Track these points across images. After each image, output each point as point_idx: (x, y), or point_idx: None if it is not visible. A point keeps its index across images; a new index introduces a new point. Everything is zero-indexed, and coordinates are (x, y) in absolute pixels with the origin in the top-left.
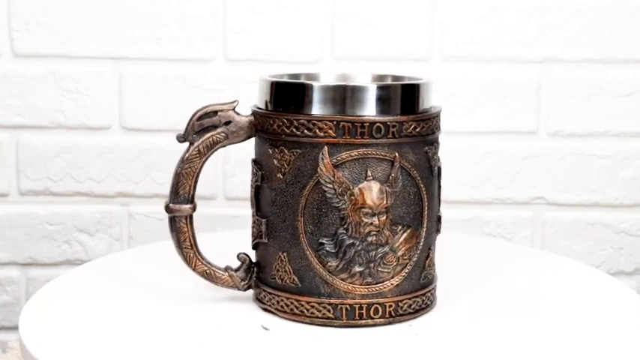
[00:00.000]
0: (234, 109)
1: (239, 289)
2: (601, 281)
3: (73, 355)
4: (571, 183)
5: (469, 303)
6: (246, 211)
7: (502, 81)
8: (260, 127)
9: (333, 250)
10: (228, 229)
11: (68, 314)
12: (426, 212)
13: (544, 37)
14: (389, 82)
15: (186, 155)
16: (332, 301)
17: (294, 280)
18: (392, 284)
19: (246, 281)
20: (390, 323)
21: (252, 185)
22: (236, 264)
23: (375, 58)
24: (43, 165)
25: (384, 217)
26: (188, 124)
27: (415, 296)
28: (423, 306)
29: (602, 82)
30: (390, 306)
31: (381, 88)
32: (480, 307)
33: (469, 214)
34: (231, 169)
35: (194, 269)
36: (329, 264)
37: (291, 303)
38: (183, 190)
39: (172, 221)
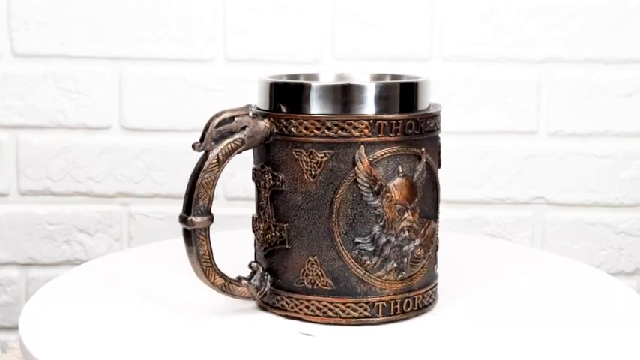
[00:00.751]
0: (249, 114)
1: (255, 299)
2: (601, 281)
3: (73, 355)
4: (571, 183)
5: (469, 303)
6: (246, 211)
7: (502, 81)
8: (279, 130)
9: (370, 249)
10: (228, 229)
11: (68, 314)
12: (439, 205)
13: (544, 37)
14: (391, 80)
15: (206, 165)
16: (369, 299)
17: (327, 282)
18: (419, 277)
19: (261, 290)
20: (417, 315)
21: (264, 191)
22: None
23: (375, 58)
24: (43, 165)
25: (416, 212)
26: (205, 131)
27: (432, 287)
28: (435, 297)
29: (602, 82)
30: (418, 298)
31: (406, 85)
32: (480, 307)
33: (469, 214)
34: (231, 169)
35: (213, 283)
36: (366, 262)
37: (324, 306)
38: (203, 202)
39: (191, 234)
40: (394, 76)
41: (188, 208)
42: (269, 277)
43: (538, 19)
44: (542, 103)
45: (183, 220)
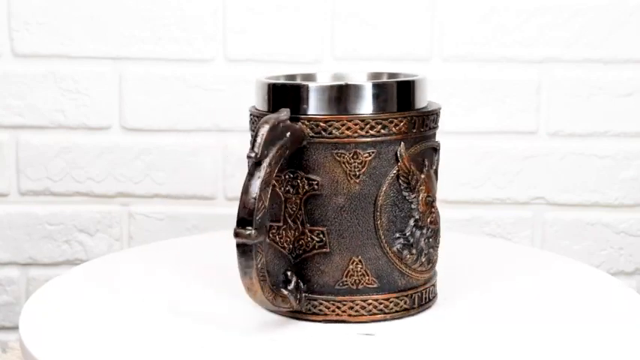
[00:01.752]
0: (287, 119)
1: (294, 309)
2: (601, 281)
3: (73, 355)
4: (571, 183)
5: (469, 303)
6: None
7: (502, 81)
8: (316, 133)
9: (408, 242)
10: (228, 229)
11: (68, 314)
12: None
13: (544, 37)
14: (388, 78)
15: (262, 174)
16: (408, 292)
17: (372, 280)
18: (436, 265)
19: (297, 297)
20: (435, 302)
21: (295, 197)
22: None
23: (375, 58)
24: (43, 165)
25: (435, 203)
26: (256, 140)
27: (435, 273)
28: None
29: (602, 82)
30: (435, 285)
31: (419, 81)
32: (479, 307)
33: (469, 214)
34: (231, 169)
35: (267, 299)
36: (406, 257)
37: (369, 304)
38: (261, 213)
39: (252, 249)
40: (390, 75)
41: (248, 221)
42: (301, 283)
43: (538, 19)
44: (542, 103)
45: (240, 234)
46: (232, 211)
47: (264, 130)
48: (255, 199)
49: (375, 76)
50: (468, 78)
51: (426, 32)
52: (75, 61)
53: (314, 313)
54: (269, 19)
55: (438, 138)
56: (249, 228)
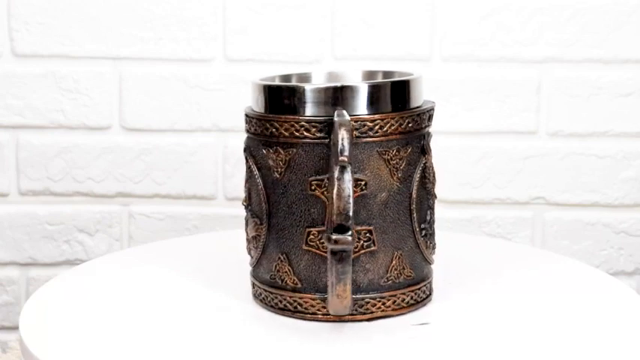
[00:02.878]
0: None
1: (348, 312)
2: (601, 281)
3: (73, 355)
4: (571, 183)
5: (469, 302)
6: None
7: (502, 81)
8: (359, 133)
9: (428, 233)
10: (228, 229)
11: (68, 314)
12: None
13: (544, 37)
14: (382, 77)
15: (351, 176)
16: (429, 279)
17: (409, 273)
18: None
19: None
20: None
21: (350, 198)
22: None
23: (375, 58)
24: (43, 165)
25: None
26: (343, 144)
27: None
28: None
29: (602, 82)
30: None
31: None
32: (479, 307)
33: (469, 214)
34: (231, 169)
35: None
36: (430, 246)
37: (407, 296)
38: (353, 218)
39: (348, 255)
40: (385, 73)
41: (345, 227)
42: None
43: (538, 19)
44: (542, 103)
45: (340, 241)
46: (232, 211)
47: (346, 133)
48: (349, 203)
49: (370, 74)
50: (468, 78)
51: (426, 32)
52: (75, 61)
53: (361, 313)
54: (269, 19)
55: (437, 138)
56: (348, 233)
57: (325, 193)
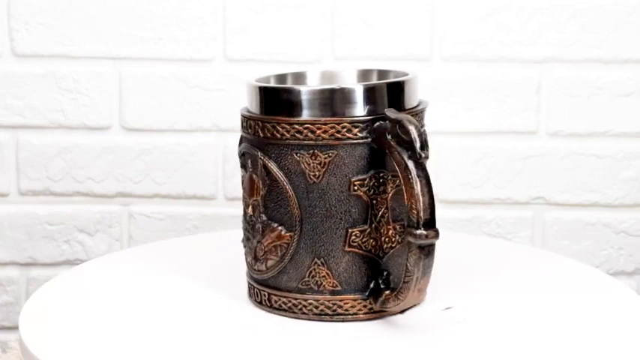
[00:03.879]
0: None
1: (394, 311)
2: (601, 281)
3: (73, 355)
4: (571, 183)
5: (468, 302)
6: None
7: (502, 81)
8: (396, 132)
9: None
10: (228, 229)
11: (68, 314)
12: None
13: (544, 37)
14: (377, 76)
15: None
16: None
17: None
18: None
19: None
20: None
21: (380, 199)
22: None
23: (375, 58)
24: (43, 165)
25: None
26: (423, 140)
27: None
28: None
29: (602, 82)
30: None
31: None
32: (479, 307)
33: (469, 214)
34: (231, 169)
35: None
36: None
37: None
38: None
39: (434, 249)
40: (381, 72)
41: (432, 221)
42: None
43: (538, 19)
44: (542, 103)
45: (429, 235)
46: (232, 211)
47: (420, 130)
48: (433, 198)
49: (365, 73)
50: (467, 78)
51: (426, 32)
52: (75, 61)
53: (384, 308)
54: (269, 19)
55: (438, 138)
56: (434, 228)
57: (367, 192)
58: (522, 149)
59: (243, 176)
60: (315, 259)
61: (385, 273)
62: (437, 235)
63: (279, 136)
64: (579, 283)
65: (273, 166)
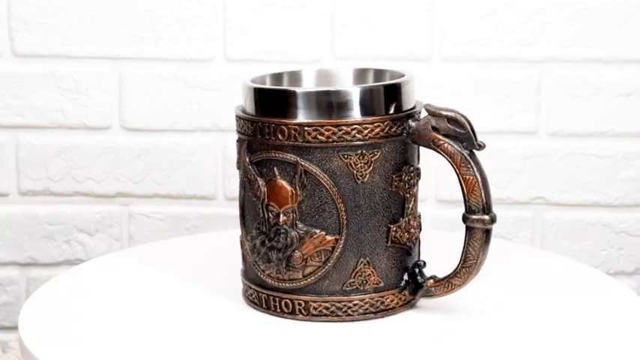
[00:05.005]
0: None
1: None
2: (600, 281)
3: (73, 355)
4: (571, 183)
5: (468, 302)
6: None
7: (502, 81)
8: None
9: None
10: (228, 229)
11: (68, 314)
12: None
13: (544, 37)
14: (374, 76)
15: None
16: None
17: None
18: None
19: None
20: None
21: (409, 194)
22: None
23: (375, 58)
24: (43, 165)
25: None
26: (472, 130)
27: None
28: None
29: (602, 82)
30: None
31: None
32: (478, 307)
33: None
34: (231, 169)
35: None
36: None
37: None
38: None
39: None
40: (376, 71)
41: (491, 206)
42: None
43: (538, 19)
44: (542, 103)
45: (493, 220)
46: (232, 211)
47: (467, 121)
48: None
49: (361, 73)
50: (468, 78)
51: (426, 32)
52: (75, 61)
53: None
54: (269, 19)
55: None
56: (493, 212)
57: (403, 187)
58: (522, 149)
59: (255, 185)
60: (361, 259)
61: (414, 263)
62: (496, 218)
63: (324, 139)
64: (579, 283)
65: (316, 170)
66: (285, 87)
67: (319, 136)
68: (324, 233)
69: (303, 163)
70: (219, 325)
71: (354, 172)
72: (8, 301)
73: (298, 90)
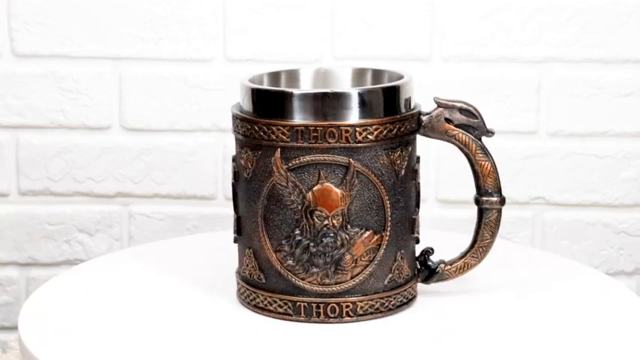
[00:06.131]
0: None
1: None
2: (600, 282)
3: (73, 355)
4: (571, 183)
5: (468, 302)
6: None
7: (502, 81)
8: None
9: None
10: (228, 229)
11: (68, 314)
12: None
13: (544, 37)
14: (370, 75)
15: None
16: None
17: None
18: None
19: None
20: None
21: (417, 183)
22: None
23: (375, 58)
24: (43, 165)
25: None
26: (482, 118)
27: None
28: None
29: (602, 82)
30: None
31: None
32: (478, 307)
33: (469, 214)
34: (231, 169)
35: None
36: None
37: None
38: None
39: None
40: (375, 71)
41: (501, 189)
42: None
43: (538, 19)
44: (542, 103)
45: (504, 200)
46: (232, 211)
47: (476, 110)
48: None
49: (359, 72)
50: (467, 78)
51: (426, 32)
52: (75, 61)
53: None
54: (269, 19)
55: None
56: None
57: (418, 178)
58: (522, 149)
59: (295, 192)
60: (398, 253)
61: (423, 250)
62: (505, 200)
63: (373, 138)
64: (579, 283)
65: (366, 169)
66: (341, 90)
67: (369, 136)
68: (372, 232)
69: (355, 164)
70: (217, 325)
71: (395, 167)
72: (8, 301)
73: (352, 91)
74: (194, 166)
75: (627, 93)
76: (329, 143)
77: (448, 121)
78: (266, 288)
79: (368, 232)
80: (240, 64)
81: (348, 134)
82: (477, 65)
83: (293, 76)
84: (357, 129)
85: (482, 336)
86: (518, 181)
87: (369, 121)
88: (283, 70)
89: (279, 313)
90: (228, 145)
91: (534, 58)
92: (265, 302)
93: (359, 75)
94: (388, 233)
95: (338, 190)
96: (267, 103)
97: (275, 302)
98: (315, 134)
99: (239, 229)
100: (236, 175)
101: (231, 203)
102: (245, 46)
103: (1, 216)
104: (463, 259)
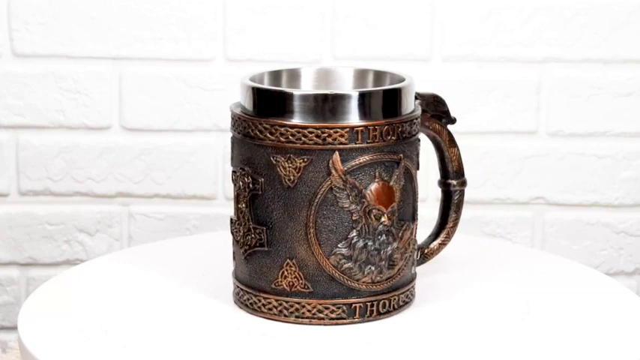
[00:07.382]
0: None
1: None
2: (599, 282)
3: (73, 355)
4: (571, 183)
5: (468, 302)
6: None
7: (502, 81)
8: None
9: None
10: (228, 229)
11: (68, 314)
12: None
13: (544, 37)
14: (372, 77)
15: None
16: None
17: None
18: None
19: None
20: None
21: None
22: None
23: (375, 58)
24: (43, 165)
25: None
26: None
27: None
28: None
29: (602, 82)
30: None
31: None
32: (478, 307)
33: (469, 214)
34: (230, 171)
35: None
36: None
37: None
38: None
39: None
40: (376, 73)
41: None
42: None
43: (538, 19)
44: (542, 103)
45: (465, 182)
46: (232, 211)
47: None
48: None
49: (360, 72)
50: (467, 78)
51: (426, 32)
52: (75, 61)
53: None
54: (269, 19)
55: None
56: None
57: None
58: (522, 149)
59: (354, 193)
60: (416, 241)
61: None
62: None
63: (414, 132)
64: (578, 283)
65: (409, 165)
66: (391, 86)
67: (412, 131)
68: (409, 223)
69: (404, 160)
70: (216, 326)
71: (419, 160)
72: (8, 301)
73: (401, 85)
74: (194, 166)
75: (627, 93)
76: (384, 141)
77: (424, 111)
78: (314, 296)
79: (408, 224)
80: (240, 64)
81: (399, 130)
82: (477, 65)
83: (293, 75)
84: (405, 124)
85: (482, 336)
86: (518, 181)
87: (411, 115)
88: (284, 70)
89: (332, 318)
90: (228, 145)
91: (534, 58)
92: (314, 310)
93: (359, 75)
94: (415, 223)
95: (392, 187)
96: (322, 106)
97: (327, 308)
98: (374, 133)
99: (269, 241)
100: (261, 187)
101: (231, 203)
102: (245, 46)
103: (1, 216)
104: (437, 241)
